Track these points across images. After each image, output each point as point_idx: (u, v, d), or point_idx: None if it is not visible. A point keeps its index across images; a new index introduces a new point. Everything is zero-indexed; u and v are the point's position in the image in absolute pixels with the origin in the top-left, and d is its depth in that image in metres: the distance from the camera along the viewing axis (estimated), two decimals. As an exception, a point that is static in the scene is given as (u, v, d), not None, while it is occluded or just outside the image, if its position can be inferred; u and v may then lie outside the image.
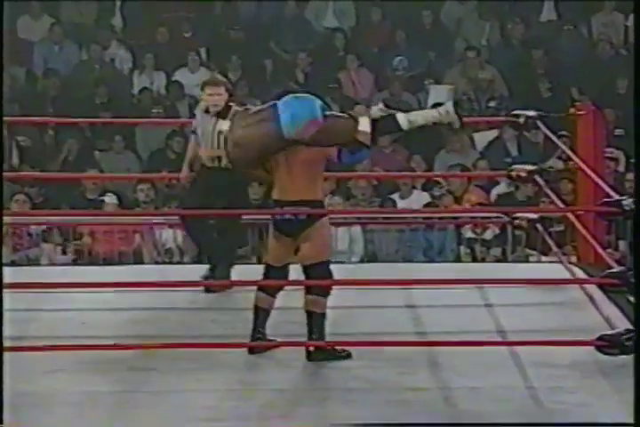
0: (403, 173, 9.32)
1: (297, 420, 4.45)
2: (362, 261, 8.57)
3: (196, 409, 4.52)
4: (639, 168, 4.60)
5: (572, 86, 10.58)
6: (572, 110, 6.46)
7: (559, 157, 9.30)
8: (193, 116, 10.41)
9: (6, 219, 8.04)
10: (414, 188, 9.35)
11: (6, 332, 5.21)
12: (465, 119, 5.16)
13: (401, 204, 9.13)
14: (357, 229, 8.69)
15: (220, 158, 5.77)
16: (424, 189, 9.39)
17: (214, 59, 10.92)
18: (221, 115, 5.77)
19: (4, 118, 9.45)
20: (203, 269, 5.99)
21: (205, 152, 5.86)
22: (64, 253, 8.51)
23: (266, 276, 5.06)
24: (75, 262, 8.33)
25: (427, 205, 8.98)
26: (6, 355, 4.86)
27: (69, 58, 10.94)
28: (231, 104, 5.77)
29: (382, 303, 5.54)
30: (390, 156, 9.99)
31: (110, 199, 8.64)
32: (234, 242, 6.04)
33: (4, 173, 9.21)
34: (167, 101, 10.42)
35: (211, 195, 5.80)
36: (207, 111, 5.85)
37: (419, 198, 9.20)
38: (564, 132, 7.79)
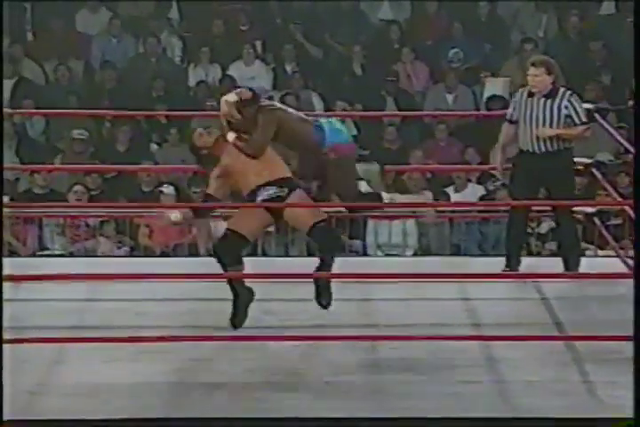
0: (457, 165, 9.27)
1: (352, 412, 4.45)
2: (415, 254, 8.55)
3: (250, 400, 4.54)
4: (639, 167, 4.52)
5: (631, 79, 10.46)
6: (630, 103, 6.39)
7: (616, 151, 9.21)
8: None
9: (64, 210, 8.15)
10: (469, 181, 9.31)
11: (63, 322, 5.29)
12: None
13: (455, 197, 9.09)
14: (411, 222, 8.67)
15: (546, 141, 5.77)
16: (479, 182, 9.34)
17: (270, 51, 10.94)
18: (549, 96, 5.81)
19: (65, 110, 9.55)
20: (257, 260, 6.00)
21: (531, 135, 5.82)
22: (120, 245, 8.58)
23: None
24: (131, 255, 8.39)
25: (481, 199, 8.94)
26: (61, 345, 4.93)
27: (126, 51, 11.01)
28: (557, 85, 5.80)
29: (437, 296, 5.52)
30: (445, 148, 9.95)
31: (168, 190, 8.69)
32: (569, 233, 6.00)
33: (68, 165, 9.36)
34: (221, 95, 10.46)
35: (535, 181, 5.83)
36: (531, 95, 5.86)
37: (473, 191, 9.16)
38: (622, 124, 7.74)
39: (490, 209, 8.37)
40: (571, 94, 5.88)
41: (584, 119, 5.88)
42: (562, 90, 5.89)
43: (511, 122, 6.02)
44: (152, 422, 4.39)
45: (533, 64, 5.92)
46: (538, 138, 5.85)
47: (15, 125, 10.08)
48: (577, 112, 5.85)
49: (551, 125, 5.82)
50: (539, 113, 5.84)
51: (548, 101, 5.86)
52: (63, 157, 9.75)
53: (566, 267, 5.94)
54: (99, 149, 9.93)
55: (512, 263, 5.93)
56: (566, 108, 5.84)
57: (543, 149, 5.85)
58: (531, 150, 5.88)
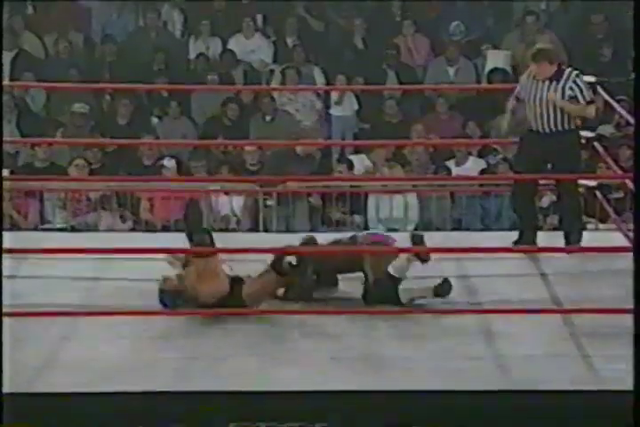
0: (458, 139, 9.26)
1: (351, 386, 4.48)
2: (417, 228, 8.55)
3: (253, 373, 4.57)
4: (638, 166, 4.51)
5: (632, 51, 10.41)
6: (632, 75, 6.37)
7: (617, 124, 9.19)
8: (247, 82, 10.47)
9: (65, 184, 8.15)
10: (470, 154, 9.30)
11: (68, 299, 5.31)
12: None
13: (456, 170, 9.08)
14: (413, 196, 8.67)
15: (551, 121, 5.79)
16: (480, 155, 9.34)
17: (271, 24, 10.90)
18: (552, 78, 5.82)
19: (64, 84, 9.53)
20: (259, 236, 6.02)
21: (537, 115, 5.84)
22: (123, 220, 8.58)
23: None
24: (132, 229, 8.40)
25: (483, 172, 8.93)
26: (68, 321, 4.95)
27: (126, 24, 10.98)
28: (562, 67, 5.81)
29: (438, 272, 5.53)
30: (446, 122, 9.94)
31: (170, 164, 8.68)
32: (573, 208, 6.03)
33: (66, 139, 9.36)
34: (222, 69, 10.44)
35: (539, 160, 5.82)
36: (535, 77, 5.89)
37: (474, 165, 9.15)
38: (622, 97, 7.71)
39: (491, 183, 8.37)
40: (576, 75, 5.87)
41: (589, 99, 5.87)
42: (567, 71, 5.88)
43: (518, 100, 6.03)
44: (156, 395, 4.43)
45: (534, 59, 5.88)
46: (543, 118, 5.85)
47: (15, 98, 10.07)
48: (582, 92, 5.85)
49: (556, 108, 5.82)
50: (543, 95, 5.84)
51: (553, 83, 5.86)
52: (64, 131, 9.75)
53: (567, 241, 5.95)
54: (99, 122, 9.93)
55: (524, 239, 5.91)
56: (571, 89, 5.84)
57: (548, 129, 5.85)
58: (538, 130, 5.88)
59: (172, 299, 5.14)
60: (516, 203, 6.05)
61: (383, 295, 5.16)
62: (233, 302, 5.08)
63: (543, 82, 5.87)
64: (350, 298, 5.29)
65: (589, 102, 5.85)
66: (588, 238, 6.03)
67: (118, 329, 4.91)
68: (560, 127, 5.85)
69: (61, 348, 4.81)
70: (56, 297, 5.30)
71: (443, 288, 5.19)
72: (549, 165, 5.96)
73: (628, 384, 4.29)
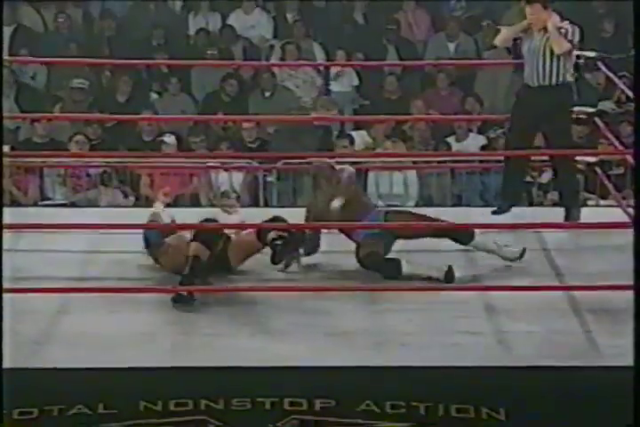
0: (459, 115, 9.23)
1: (351, 361, 4.49)
2: (417, 205, 8.55)
3: (251, 349, 4.58)
4: (639, 142, 4.49)
5: (633, 26, 10.35)
6: (632, 52, 6.34)
7: (618, 99, 9.17)
8: (247, 58, 10.27)
9: (66, 160, 8.14)
10: (470, 130, 9.28)
11: (66, 273, 5.32)
12: None
13: (456, 146, 9.06)
14: (412, 172, 8.65)
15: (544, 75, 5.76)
16: (480, 131, 9.31)
17: (270, 0, 10.85)
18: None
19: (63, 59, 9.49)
20: (259, 211, 6.01)
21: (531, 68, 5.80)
22: (125, 195, 8.56)
23: None
24: (133, 205, 8.39)
25: (483, 148, 8.91)
26: (65, 296, 4.95)
27: (125, -1, 10.93)
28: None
29: (437, 247, 5.53)
30: (446, 97, 9.91)
31: (170, 139, 8.66)
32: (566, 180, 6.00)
33: (67, 114, 9.31)
34: (221, 44, 10.39)
35: (533, 118, 5.79)
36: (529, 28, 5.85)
37: (475, 141, 9.13)
38: (624, 73, 7.67)
39: (491, 159, 8.35)
40: (569, 23, 5.85)
41: (571, 39, 5.80)
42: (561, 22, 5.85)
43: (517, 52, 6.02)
44: (154, 370, 4.43)
45: (528, 1, 5.88)
46: (539, 70, 5.81)
47: (14, 73, 10.03)
48: (568, 32, 5.79)
49: (551, 55, 5.78)
50: (538, 45, 5.81)
51: (547, 33, 5.83)
52: (63, 106, 9.72)
53: (567, 217, 5.94)
54: (99, 98, 9.89)
55: (502, 209, 5.88)
56: (560, 29, 5.81)
57: (543, 81, 5.81)
58: (531, 84, 5.85)
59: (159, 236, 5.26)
60: (506, 171, 6.01)
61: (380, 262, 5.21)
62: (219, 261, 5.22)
63: (537, 32, 5.84)
64: (344, 270, 5.31)
65: (570, 41, 5.80)
66: (588, 214, 6.02)
67: (115, 301, 4.92)
68: (555, 80, 5.80)
69: (59, 321, 4.81)
70: (54, 270, 5.30)
71: (447, 276, 5.20)
72: (542, 135, 5.91)
73: (628, 360, 4.29)
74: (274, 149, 8.60)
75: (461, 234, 5.41)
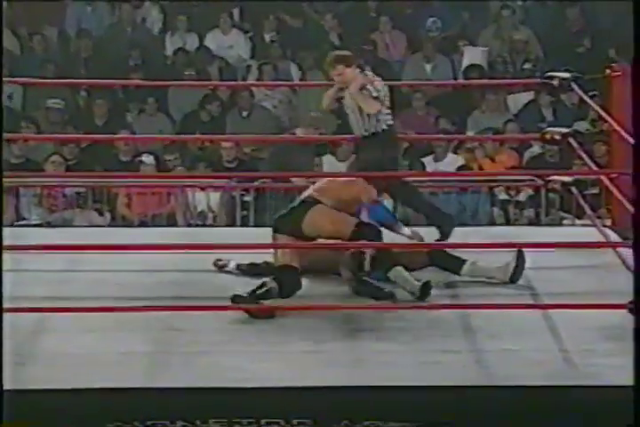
0: (436, 135, 9.27)
1: (330, 380, 4.48)
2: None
3: (230, 369, 4.56)
4: (637, 167, 4.51)
5: (609, 47, 10.45)
6: (607, 71, 6.39)
7: (592, 120, 9.22)
8: (224, 78, 10.26)
9: (42, 180, 8.11)
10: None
11: (42, 292, 5.29)
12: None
13: (433, 166, 9.09)
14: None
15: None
16: (456, 151, 9.35)
17: (248, 20, 10.89)
18: None
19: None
20: (235, 231, 6.01)
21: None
22: (100, 214, 8.55)
23: None
24: (110, 225, 8.37)
25: (460, 168, 8.94)
26: (41, 315, 4.93)
27: (102, 18, 10.94)
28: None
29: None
30: (422, 118, 9.95)
31: (148, 159, 8.66)
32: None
33: (41, 135, 9.30)
34: (198, 64, 10.41)
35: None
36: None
37: (452, 161, 9.17)
38: (595, 93, 7.72)
39: (468, 179, 8.38)
40: (374, 75, 5.74)
41: (376, 95, 5.62)
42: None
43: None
44: (133, 391, 4.41)
45: (329, 64, 5.69)
46: (358, 125, 5.69)
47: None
48: (372, 91, 5.65)
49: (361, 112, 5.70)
50: (351, 103, 5.69)
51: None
52: (39, 127, 9.70)
53: (441, 236, 5.83)
54: (75, 118, 9.88)
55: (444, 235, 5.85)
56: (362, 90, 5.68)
57: (363, 133, 5.70)
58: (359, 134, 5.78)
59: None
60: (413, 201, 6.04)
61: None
62: None
63: (348, 91, 5.74)
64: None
65: (375, 98, 5.70)
66: (564, 234, 6.05)
67: (90, 321, 4.89)
68: (372, 130, 5.71)
69: (33, 341, 4.78)
70: (28, 290, 5.27)
71: (422, 291, 5.19)
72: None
73: (607, 380, 4.31)
74: (266, 168, 8.63)
75: (449, 262, 5.39)
